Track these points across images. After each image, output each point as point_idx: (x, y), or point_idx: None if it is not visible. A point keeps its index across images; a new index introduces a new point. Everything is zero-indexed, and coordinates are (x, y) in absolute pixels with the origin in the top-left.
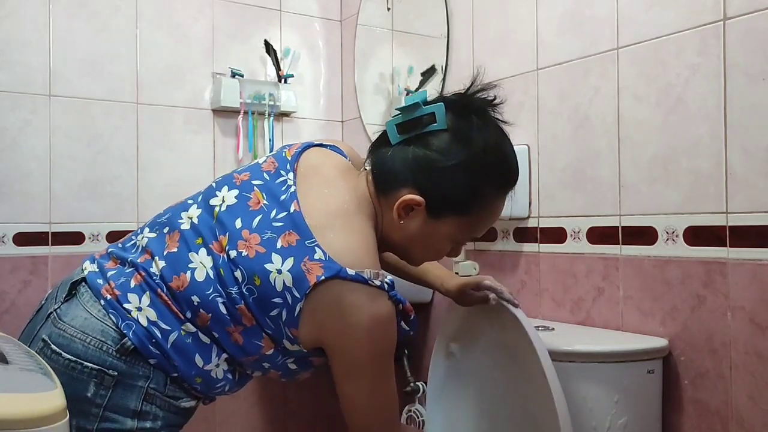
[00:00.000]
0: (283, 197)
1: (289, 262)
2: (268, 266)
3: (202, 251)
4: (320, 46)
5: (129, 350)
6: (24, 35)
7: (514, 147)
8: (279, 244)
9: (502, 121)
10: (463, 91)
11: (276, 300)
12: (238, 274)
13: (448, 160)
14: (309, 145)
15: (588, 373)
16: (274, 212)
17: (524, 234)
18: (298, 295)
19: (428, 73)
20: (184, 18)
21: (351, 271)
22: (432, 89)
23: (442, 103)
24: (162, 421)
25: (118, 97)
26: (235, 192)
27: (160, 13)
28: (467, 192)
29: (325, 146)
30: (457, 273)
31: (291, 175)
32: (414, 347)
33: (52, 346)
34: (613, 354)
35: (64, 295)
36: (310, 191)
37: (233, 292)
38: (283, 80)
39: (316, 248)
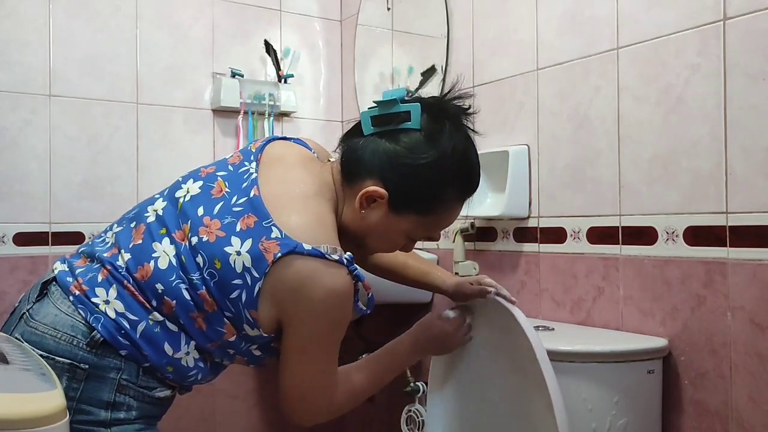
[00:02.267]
0: (244, 184)
1: (248, 243)
2: (227, 249)
3: (165, 240)
4: (320, 46)
5: (99, 343)
6: (24, 35)
7: (515, 147)
8: (238, 228)
9: (472, 130)
10: (440, 96)
11: (236, 281)
12: (199, 259)
13: (417, 159)
14: (273, 138)
15: (588, 373)
16: (234, 198)
17: (524, 234)
18: (257, 275)
19: (428, 73)
20: (184, 18)
21: (307, 246)
22: (432, 89)
23: (418, 103)
24: (137, 411)
25: (118, 97)
26: (200, 183)
27: (160, 13)
28: (430, 192)
29: (289, 139)
30: (456, 273)
31: (254, 164)
32: None
33: (25, 344)
34: (613, 354)
35: (35, 296)
36: (271, 177)
37: (194, 277)
38: (283, 80)
39: (273, 227)
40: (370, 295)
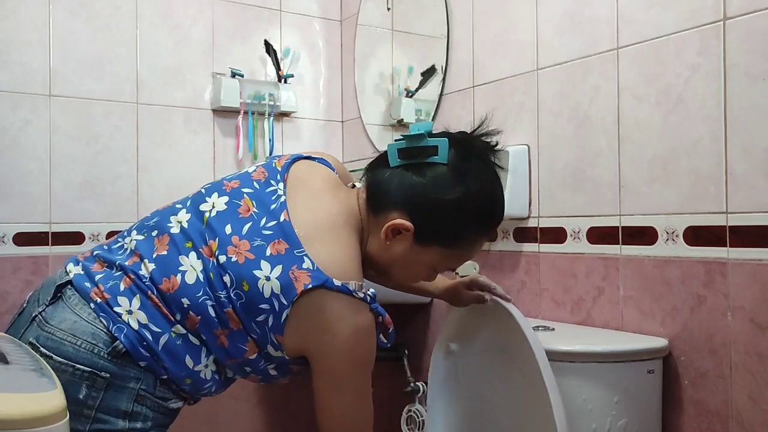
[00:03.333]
0: (273, 206)
1: (278, 269)
2: (257, 273)
3: (192, 255)
4: (320, 46)
5: (120, 353)
6: (24, 35)
7: (515, 147)
8: (268, 252)
9: (499, 166)
10: (468, 132)
11: (263, 306)
12: (227, 278)
13: (444, 195)
14: (298, 157)
15: (588, 373)
16: (263, 220)
17: (524, 234)
18: (285, 302)
19: (428, 73)
20: (184, 18)
21: (337, 282)
22: (432, 89)
23: (446, 139)
24: (152, 421)
25: (118, 97)
26: (225, 198)
27: (160, 13)
28: (456, 228)
29: (314, 159)
30: (457, 273)
31: (281, 185)
32: (414, 347)
33: (42, 349)
34: (613, 354)
35: (48, 298)
36: (299, 202)
37: (222, 295)
38: (283, 80)
39: (305, 258)
40: (391, 329)
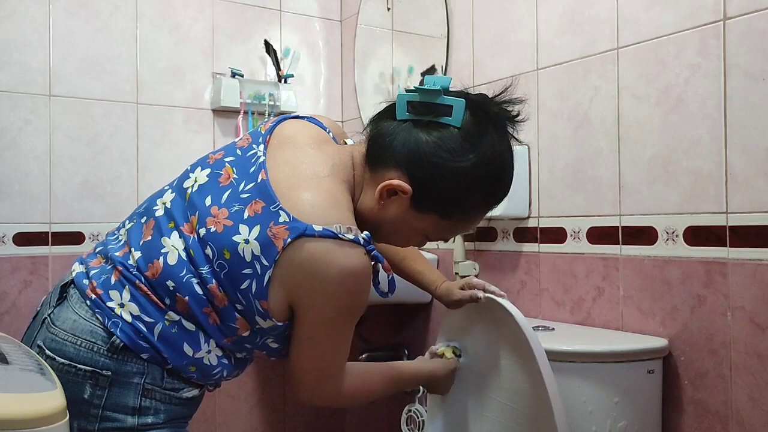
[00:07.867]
0: (252, 169)
1: (256, 230)
2: (236, 238)
3: (174, 234)
4: (320, 46)
5: (119, 348)
6: (24, 35)
7: (515, 147)
8: (246, 215)
9: (516, 139)
10: (489, 96)
11: (246, 271)
12: (208, 251)
13: (450, 161)
14: (285, 118)
15: (588, 374)
16: (242, 185)
17: (524, 234)
18: (266, 263)
19: (428, 73)
20: (184, 18)
21: (318, 228)
22: None
23: (463, 100)
24: (164, 414)
25: (118, 97)
26: (207, 171)
27: (160, 13)
28: (458, 198)
29: (303, 118)
30: (457, 273)
31: (261, 147)
32: (414, 347)
33: (47, 351)
34: (613, 354)
35: (56, 299)
36: (280, 160)
37: (204, 271)
38: (283, 80)
39: (281, 211)
40: (390, 277)
